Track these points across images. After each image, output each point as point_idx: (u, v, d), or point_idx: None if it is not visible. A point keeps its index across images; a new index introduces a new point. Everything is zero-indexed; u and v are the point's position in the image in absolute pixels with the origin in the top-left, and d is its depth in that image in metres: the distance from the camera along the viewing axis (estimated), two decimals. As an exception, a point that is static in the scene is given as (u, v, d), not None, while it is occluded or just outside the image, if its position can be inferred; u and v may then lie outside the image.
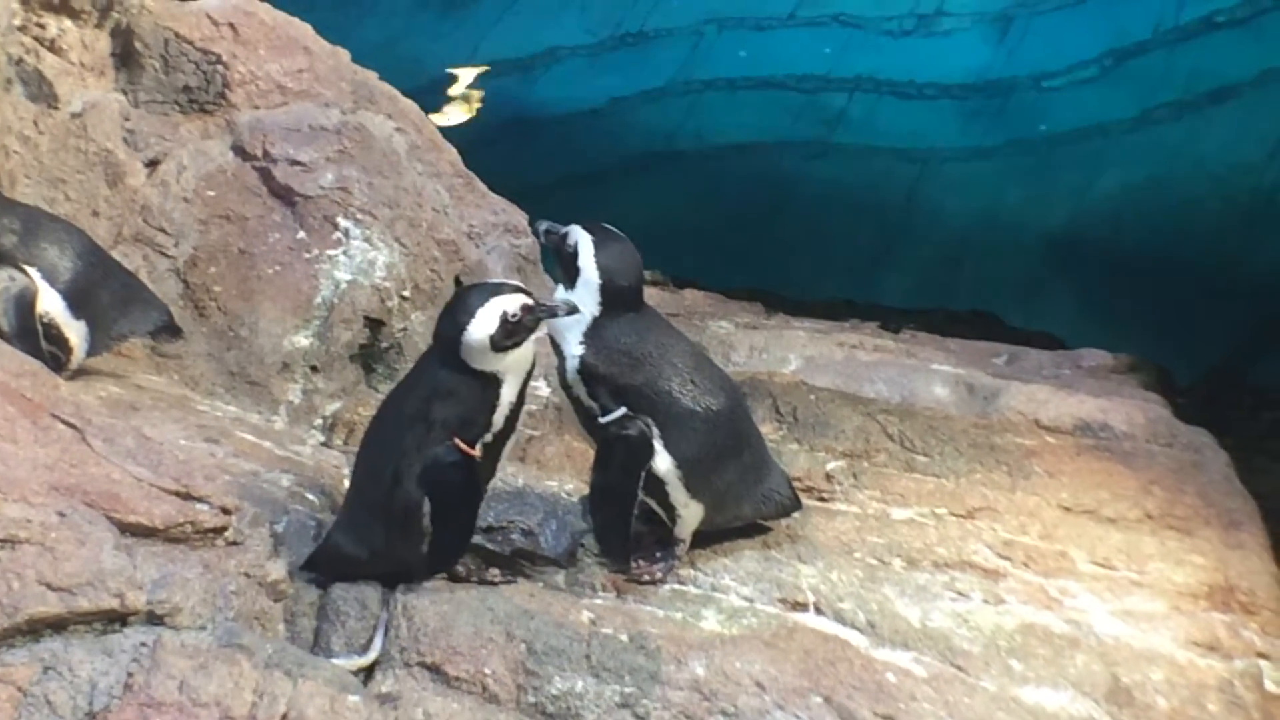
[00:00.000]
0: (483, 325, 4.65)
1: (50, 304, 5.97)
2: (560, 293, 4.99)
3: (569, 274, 4.97)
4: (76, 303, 6.05)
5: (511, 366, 4.74)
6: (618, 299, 4.95)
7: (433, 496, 4.71)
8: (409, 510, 4.72)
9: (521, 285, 4.79)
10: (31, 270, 5.93)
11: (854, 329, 7.92)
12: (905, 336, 7.86)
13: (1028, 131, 11.63)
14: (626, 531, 5.00)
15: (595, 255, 4.92)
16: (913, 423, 6.20)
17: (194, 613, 4.34)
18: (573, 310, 4.82)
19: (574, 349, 4.93)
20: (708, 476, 5.03)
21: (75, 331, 6.06)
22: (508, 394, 4.77)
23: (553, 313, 4.75)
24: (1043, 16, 12.51)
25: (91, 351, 6.18)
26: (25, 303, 5.87)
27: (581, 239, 4.94)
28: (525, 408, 4.99)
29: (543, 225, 5.15)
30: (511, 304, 4.64)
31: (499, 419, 4.77)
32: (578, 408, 5.02)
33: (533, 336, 4.81)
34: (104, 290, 6.19)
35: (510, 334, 4.65)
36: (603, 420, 4.91)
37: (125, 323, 6.31)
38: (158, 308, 6.46)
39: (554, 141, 12.19)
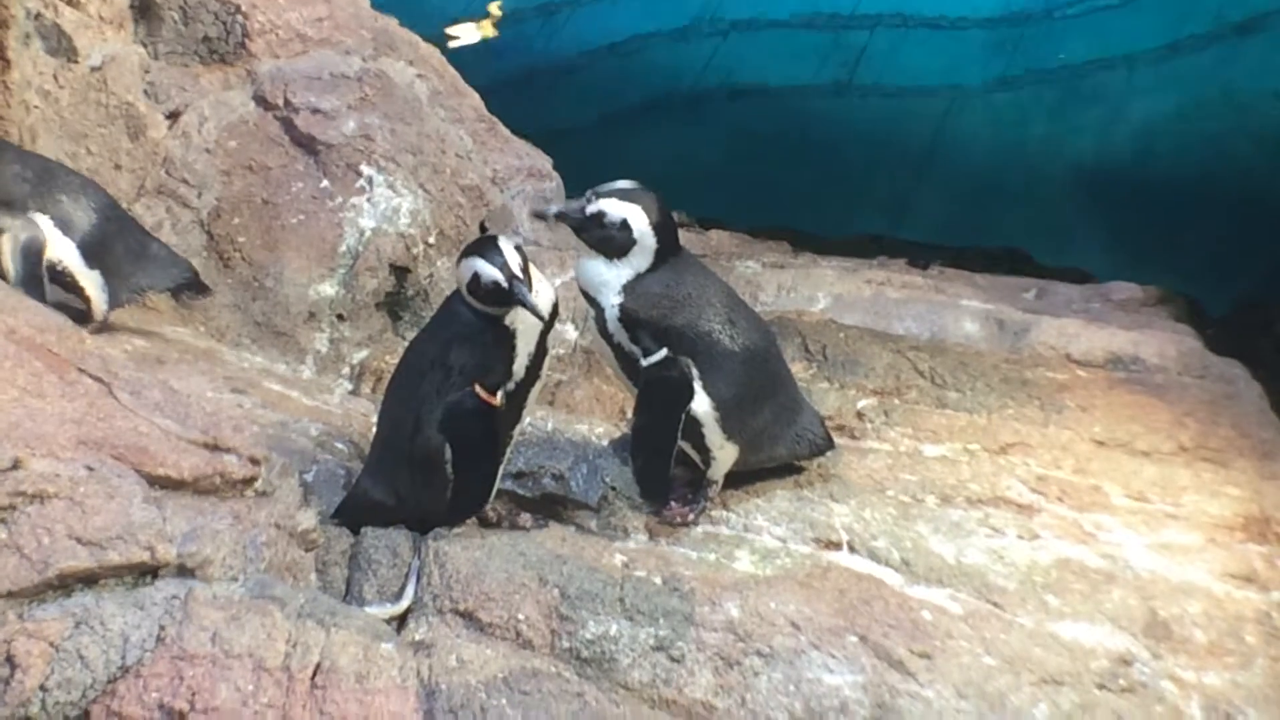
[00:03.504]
0: (462, 273, 4.69)
1: (64, 252, 5.99)
2: (598, 263, 4.94)
3: (621, 246, 4.88)
4: (91, 253, 6.08)
5: (522, 315, 4.71)
6: (667, 251, 4.93)
7: (453, 443, 4.72)
8: (430, 456, 4.73)
9: (515, 260, 4.67)
10: (43, 218, 5.94)
11: (882, 266, 7.89)
12: (934, 273, 7.83)
13: (1053, 64, 11.55)
14: (667, 473, 5.00)
15: (649, 221, 4.86)
16: (943, 359, 6.19)
17: (225, 564, 4.33)
18: (537, 315, 4.72)
19: (612, 299, 4.90)
20: (744, 417, 5.03)
21: (91, 281, 6.09)
22: (524, 344, 4.76)
23: (522, 301, 4.63)
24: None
25: (112, 303, 6.19)
26: (33, 251, 5.89)
27: (628, 211, 4.84)
28: (553, 352, 4.96)
29: (552, 210, 5.04)
30: (487, 270, 4.61)
31: (519, 368, 4.77)
32: (618, 354, 5.00)
33: (544, 283, 4.80)
34: (119, 243, 6.21)
35: (486, 295, 4.65)
36: (645, 363, 4.89)
37: (143, 276, 6.32)
38: (179, 265, 6.47)
39: (578, 84, 12.15)
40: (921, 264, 8.12)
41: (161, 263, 6.40)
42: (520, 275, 4.61)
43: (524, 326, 4.74)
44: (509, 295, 4.61)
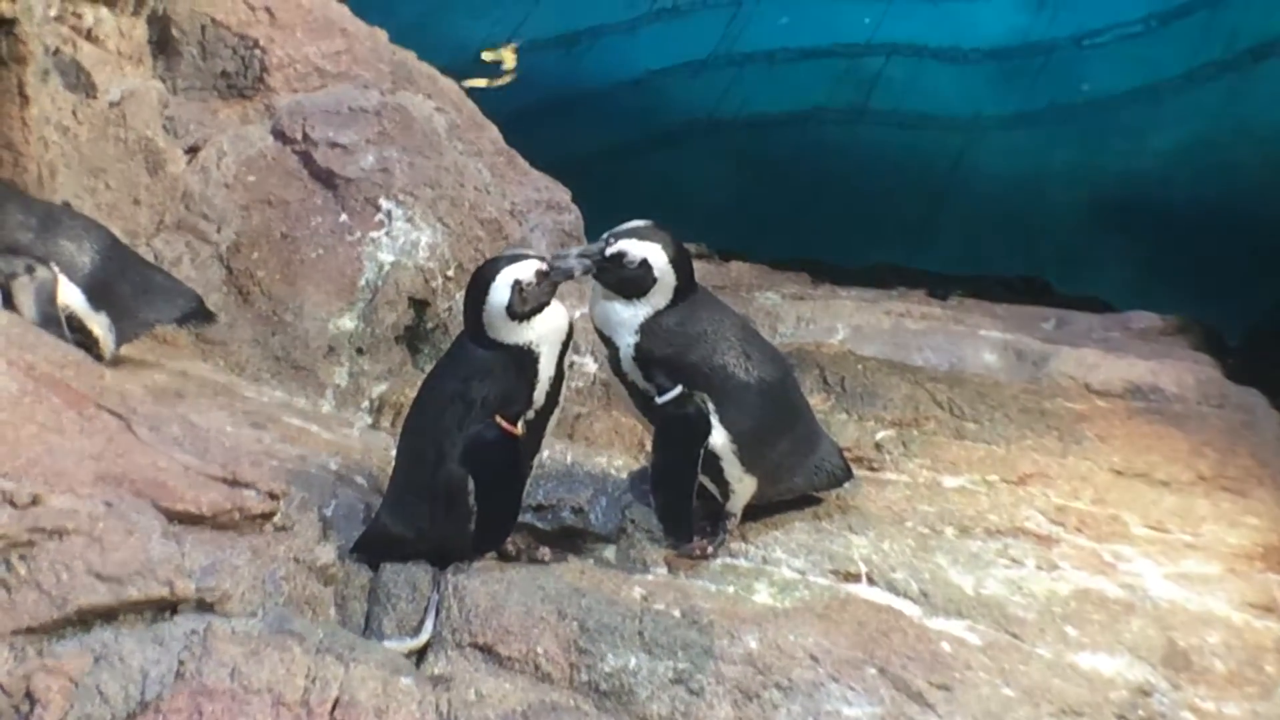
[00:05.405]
0: (498, 296, 4.66)
1: (70, 297, 5.99)
2: (615, 304, 4.93)
3: (642, 286, 4.87)
4: (96, 295, 6.07)
5: (544, 337, 4.74)
6: (685, 289, 4.93)
7: (476, 475, 4.72)
8: (453, 489, 4.73)
9: (536, 253, 4.75)
10: (50, 265, 5.95)
11: (901, 297, 7.87)
12: (953, 303, 7.81)
13: (1071, 94, 11.53)
14: (690, 510, 4.98)
15: (668, 258, 4.85)
16: (962, 390, 6.17)
17: (244, 599, 4.35)
18: (588, 270, 4.80)
19: (628, 338, 4.90)
20: (762, 450, 5.02)
21: (98, 323, 6.08)
22: (545, 368, 4.76)
23: (569, 274, 4.74)
24: (1084, -23, 12.40)
25: (120, 340, 6.19)
26: (46, 292, 5.89)
27: (648, 250, 4.82)
28: (572, 384, 4.97)
29: (571, 254, 4.93)
30: (524, 271, 4.65)
31: (540, 395, 4.77)
32: (632, 392, 4.99)
33: (559, 305, 4.80)
34: (123, 282, 6.20)
35: (528, 301, 4.67)
36: (660, 400, 4.88)
37: (150, 311, 6.31)
38: (184, 295, 6.45)
39: (596, 116, 12.12)
40: (941, 294, 8.10)
41: (166, 294, 6.39)
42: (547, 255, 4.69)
43: (547, 347, 4.76)
44: (554, 274, 4.71)
